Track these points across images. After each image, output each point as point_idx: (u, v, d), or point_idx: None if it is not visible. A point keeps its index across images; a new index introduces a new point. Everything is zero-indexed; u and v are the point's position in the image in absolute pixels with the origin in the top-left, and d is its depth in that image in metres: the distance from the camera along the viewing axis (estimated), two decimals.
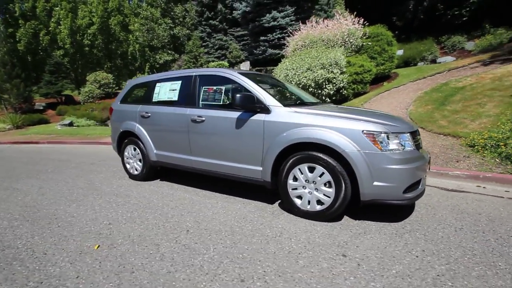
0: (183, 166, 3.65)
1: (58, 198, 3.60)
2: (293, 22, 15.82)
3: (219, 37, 19.51)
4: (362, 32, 9.96)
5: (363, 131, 2.43)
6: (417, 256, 2.07)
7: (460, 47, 12.80)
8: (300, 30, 11.26)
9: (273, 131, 2.79)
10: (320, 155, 2.56)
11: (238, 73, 3.26)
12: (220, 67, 16.37)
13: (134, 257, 2.15)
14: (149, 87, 4.09)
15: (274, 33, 15.90)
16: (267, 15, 15.88)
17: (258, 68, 15.67)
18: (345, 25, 9.89)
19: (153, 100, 3.96)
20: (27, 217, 3.00)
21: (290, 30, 15.55)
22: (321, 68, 8.38)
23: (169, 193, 3.63)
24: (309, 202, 2.71)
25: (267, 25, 15.95)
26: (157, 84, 3.96)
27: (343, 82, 8.45)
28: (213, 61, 17.69)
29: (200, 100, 3.43)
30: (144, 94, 4.16)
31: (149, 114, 3.89)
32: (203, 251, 2.21)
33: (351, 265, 1.98)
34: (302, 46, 10.49)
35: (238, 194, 3.47)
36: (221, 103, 3.29)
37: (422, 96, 7.69)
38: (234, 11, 17.43)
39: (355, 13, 10.85)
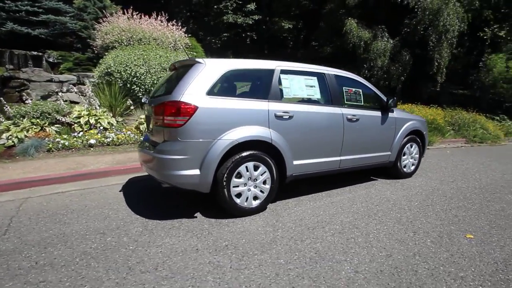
0: (323, 171, 3.33)
1: None
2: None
3: None
4: (186, 41, 10.54)
5: (425, 120, 4.52)
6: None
7: None
8: (108, 18, 9.31)
9: (399, 124, 3.95)
10: (416, 137, 4.26)
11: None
12: None
13: None
14: (264, 77, 2.87)
15: (21, 3, 10.75)
16: None
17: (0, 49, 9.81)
18: (175, 29, 9.94)
19: (285, 97, 2.95)
20: None
21: (54, 7, 11.48)
22: None
23: (349, 205, 2.94)
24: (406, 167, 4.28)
25: None
26: (282, 76, 2.97)
27: None
28: None
29: (345, 100, 3.44)
30: (263, 87, 2.83)
31: (291, 115, 2.86)
32: None
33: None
34: (129, 39, 8.91)
35: (340, 186, 3.80)
36: (362, 103, 3.64)
37: None
38: None
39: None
